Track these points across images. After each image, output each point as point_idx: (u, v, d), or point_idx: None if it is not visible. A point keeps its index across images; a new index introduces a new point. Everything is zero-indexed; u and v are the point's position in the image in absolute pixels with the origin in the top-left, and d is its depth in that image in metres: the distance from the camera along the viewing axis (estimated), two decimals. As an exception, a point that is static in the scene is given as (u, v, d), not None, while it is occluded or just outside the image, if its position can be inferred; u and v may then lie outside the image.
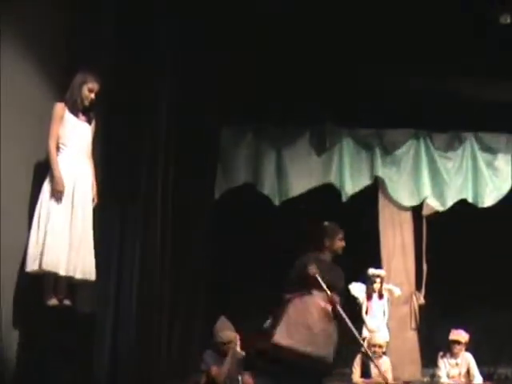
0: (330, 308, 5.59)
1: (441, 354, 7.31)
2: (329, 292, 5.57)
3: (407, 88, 8.57)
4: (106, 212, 5.98)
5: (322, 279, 5.56)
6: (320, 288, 5.56)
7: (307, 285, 5.62)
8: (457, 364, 7.28)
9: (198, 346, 7.86)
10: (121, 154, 6.34)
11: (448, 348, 7.30)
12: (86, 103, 5.28)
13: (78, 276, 5.05)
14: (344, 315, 5.66)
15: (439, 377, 7.26)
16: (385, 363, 7.41)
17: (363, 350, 6.65)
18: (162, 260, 7.08)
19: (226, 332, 6.13)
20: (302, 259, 5.79)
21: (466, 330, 7.39)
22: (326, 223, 6.10)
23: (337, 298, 5.67)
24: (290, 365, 5.36)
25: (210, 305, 8.83)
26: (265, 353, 5.66)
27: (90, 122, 5.34)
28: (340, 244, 6.04)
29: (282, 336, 5.44)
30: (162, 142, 6.97)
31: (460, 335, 7.27)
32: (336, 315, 5.64)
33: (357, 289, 8.53)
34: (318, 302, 5.60)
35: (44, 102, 5.28)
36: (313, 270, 5.55)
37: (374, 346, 7.32)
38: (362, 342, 6.57)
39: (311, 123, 9.35)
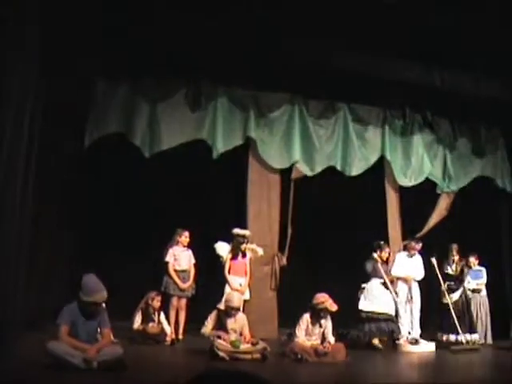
0: None
1: (306, 315, 7.47)
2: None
3: (287, 53, 8.61)
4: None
5: None
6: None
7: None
8: (320, 326, 7.50)
9: (58, 296, 7.72)
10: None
11: (311, 309, 7.48)
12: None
13: None
14: None
15: (297, 336, 7.44)
16: (241, 319, 7.50)
17: None
18: (23, 206, 6.84)
19: (98, 293, 5.97)
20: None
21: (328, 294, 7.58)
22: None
23: None
24: None
25: (73, 258, 8.68)
26: None
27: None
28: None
29: None
30: (32, 90, 6.69)
31: (328, 302, 7.44)
32: None
33: (221, 248, 8.61)
34: None
35: None
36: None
37: (232, 307, 7.37)
38: None
39: (188, 79, 9.23)
